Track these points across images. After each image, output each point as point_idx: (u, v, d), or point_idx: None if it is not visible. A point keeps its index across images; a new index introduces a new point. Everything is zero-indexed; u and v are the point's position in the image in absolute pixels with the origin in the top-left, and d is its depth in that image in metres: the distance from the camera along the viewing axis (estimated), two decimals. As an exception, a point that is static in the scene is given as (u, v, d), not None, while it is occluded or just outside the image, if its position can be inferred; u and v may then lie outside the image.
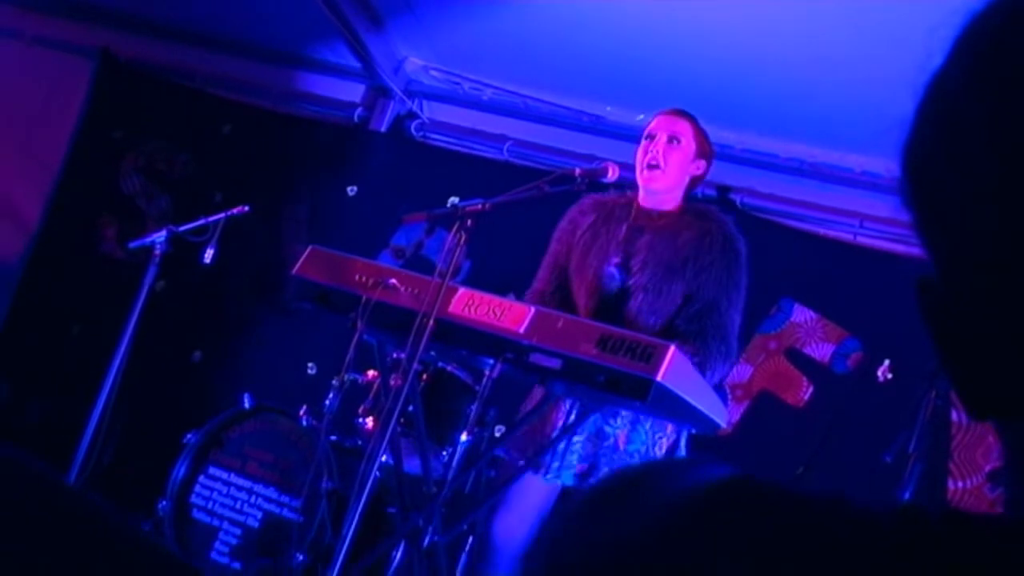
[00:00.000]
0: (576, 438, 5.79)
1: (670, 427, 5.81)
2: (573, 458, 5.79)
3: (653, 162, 5.87)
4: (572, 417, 5.84)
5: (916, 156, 1.02)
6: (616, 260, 5.89)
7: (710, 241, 5.84)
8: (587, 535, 1.00)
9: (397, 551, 5.83)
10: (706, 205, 6.22)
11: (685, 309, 5.81)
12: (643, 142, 5.95)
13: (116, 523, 1.46)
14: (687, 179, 5.98)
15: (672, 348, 5.04)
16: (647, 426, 5.77)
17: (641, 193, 5.99)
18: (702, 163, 5.99)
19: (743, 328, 6.07)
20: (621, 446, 5.76)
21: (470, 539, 6.33)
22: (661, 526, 0.95)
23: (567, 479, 5.82)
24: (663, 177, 5.89)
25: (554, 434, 5.85)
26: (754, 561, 0.90)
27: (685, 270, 5.81)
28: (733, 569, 0.90)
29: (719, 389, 5.73)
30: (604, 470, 5.73)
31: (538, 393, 5.97)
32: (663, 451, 5.81)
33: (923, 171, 1.00)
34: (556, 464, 5.82)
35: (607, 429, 5.76)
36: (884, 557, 0.88)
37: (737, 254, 5.87)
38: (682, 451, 5.91)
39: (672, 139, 5.90)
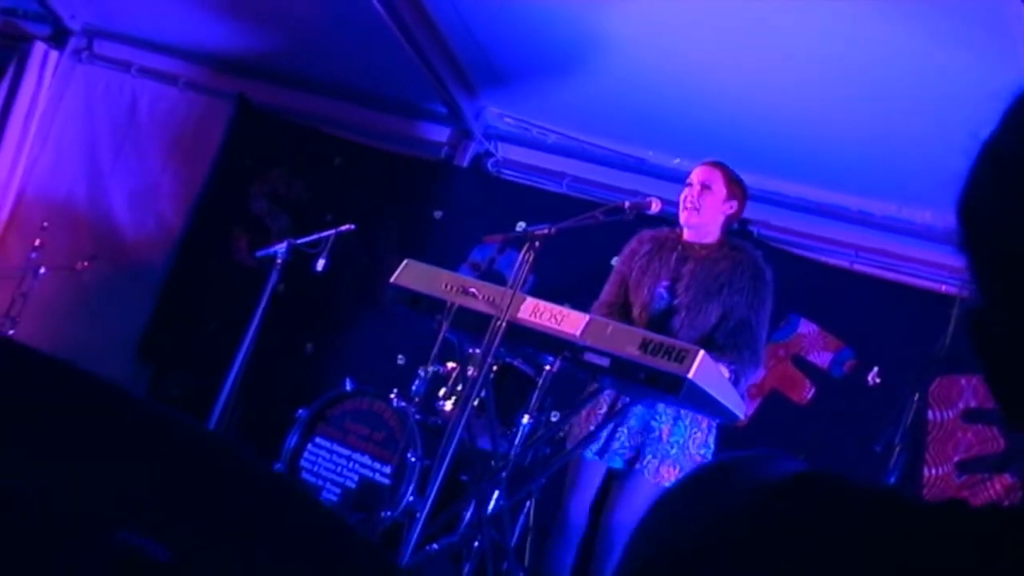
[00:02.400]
0: (622, 429, 5.79)
1: (704, 423, 5.80)
2: (617, 445, 5.80)
3: (689, 205, 6.01)
4: (616, 407, 5.85)
5: (974, 212, 1.02)
6: (665, 283, 5.99)
7: (742, 270, 5.95)
8: (686, 515, 0.98)
9: (468, 512, 5.80)
10: (741, 241, 6.24)
11: (723, 325, 5.89)
12: (684, 188, 6.08)
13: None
14: (722, 217, 6.08)
15: (702, 352, 5.11)
16: (686, 422, 5.81)
17: (685, 229, 6.09)
18: (734, 203, 6.10)
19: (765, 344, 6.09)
20: (664, 438, 5.79)
21: (528, 504, 6.30)
22: (748, 509, 0.94)
23: (615, 463, 5.86)
24: (698, 216, 6.02)
25: (597, 423, 5.86)
26: (823, 539, 0.89)
27: (721, 294, 5.90)
28: (808, 546, 0.89)
29: (741, 389, 5.69)
30: (648, 457, 5.76)
31: (604, 401, 6.01)
32: (697, 444, 5.81)
33: (981, 225, 0.99)
34: (596, 447, 5.86)
35: (653, 424, 5.80)
36: (930, 543, 0.88)
37: (765, 281, 5.98)
38: (712, 444, 5.89)
39: (704, 187, 6.03)
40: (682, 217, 6.02)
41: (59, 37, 10.34)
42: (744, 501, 0.95)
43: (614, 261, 6.38)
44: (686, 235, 6.08)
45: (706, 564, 0.93)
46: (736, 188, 6.08)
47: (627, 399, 5.80)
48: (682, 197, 6.04)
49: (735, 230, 7.27)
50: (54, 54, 10.28)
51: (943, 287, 7.17)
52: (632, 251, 6.20)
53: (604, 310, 5.99)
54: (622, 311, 6.05)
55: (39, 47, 10.24)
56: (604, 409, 5.94)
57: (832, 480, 0.95)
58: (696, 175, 6.06)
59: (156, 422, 1.43)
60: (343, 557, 1.40)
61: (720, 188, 6.02)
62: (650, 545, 0.99)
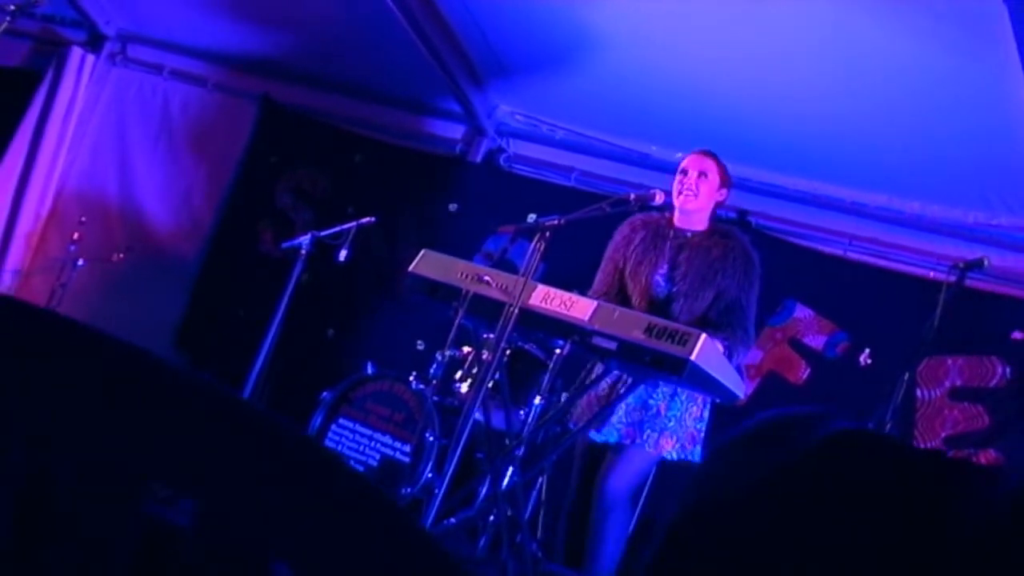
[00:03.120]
0: (620, 405, 5.79)
1: (699, 399, 5.81)
2: (615, 419, 5.80)
3: (688, 191, 5.98)
4: (617, 388, 5.85)
5: None
6: (663, 271, 5.97)
7: (734, 256, 5.96)
8: (746, 463, 1.00)
9: (483, 488, 5.79)
10: (728, 226, 6.23)
11: (715, 305, 5.89)
12: (679, 176, 6.06)
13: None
14: (713, 204, 6.07)
15: (704, 335, 5.11)
16: (683, 397, 5.82)
17: (677, 214, 6.07)
18: (724, 191, 6.10)
19: (757, 322, 6.08)
20: (662, 413, 5.81)
21: (540, 480, 6.29)
22: (802, 467, 0.96)
23: (612, 437, 5.87)
24: (695, 201, 6.00)
25: (600, 403, 5.87)
26: (877, 496, 0.92)
27: (715, 279, 5.91)
28: (860, 504, 0.91)
29: (738, 369, 5.67)
30: (648, 431, 5.77)
31: (597, 368, 5.99)
32: (693, 418, 5.83)
33: None
34: (606, 427, 5.87)
35: (651, 401, 5.81)
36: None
37: (753, 265, 5.99)
38: (707, 417, 5.91)
39: (702, 174, 6.01)
40: (678, 202, 6.00)
41: (95, 42, 10.34)
42: (798, 456, 0.97)
43: (616, 236, 6.33)
44: (677, 220, 6.06)
45: (759, 515, 0.94)
46: (727, 177, 6.11)
47: (628, 381, 5.80)
48: (677, 183, 6.01)
49: (734, 219, 7.28)
50: (90, 58, 10.28)
51: (931, 273, 7.16)
52: (626, 238, 6.17)
53: (598, 299, 5.83)
54: (618, 298, 6.03)
55: (76, 52, 10.23)
56: (605, 391, 5.93)
57: (882, 438, 0.99)
58: (692, 163, 6.04)
59: (188, 386, 1.44)
60: (369, 516, 1.38)
61: (715, 176, 6.03)
62: (703, 493, 1.01)
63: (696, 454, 5.85)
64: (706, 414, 5.92)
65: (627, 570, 5.84)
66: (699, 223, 6.04)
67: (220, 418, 1.41)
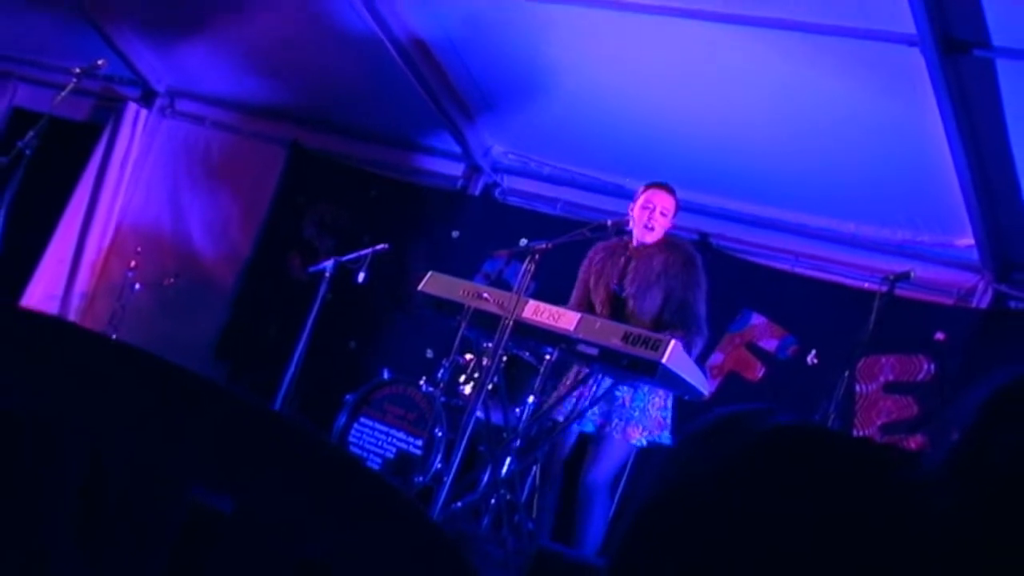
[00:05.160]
0: (595, 401, 5.80)
1: (662, 392, 5.79)
2: (589, 413, 5.79)
3: (649, 226, 5.99)
4: (598, 390, 5.83)
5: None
6: (615, 280, 6.00)
7: (674, 259, 5.96)
8: (697, 457, 0.99)
9: (485, 475, 5.77)
10: (674, 236, 6.19)
11: (667, 307, 5.87)
12: (642, 209, 6.03)
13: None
14: (664, 231, 6.05)
15: (674, 341, 5.10)
16: (644, 390, 5.80)
17: (635, 240, 6.06)
18: (674, 221, 6.12)
19: (717, 330, 6.08)
20: (627, 404, 5.82)
21: (534, 469, 6.25)
22: (748, 456, 0.95)
23: (588, 428, 5.90)
24: (653, 235, 6.01)
25: (584, 400, 5.86)
26: (811, 478, 0.92)
27: (659, 281, 5.90)
28: (797, 485, 0.92)
29: (703, 369, 5.66)
30: (615, 421, 5.79)
31: (572, 374, 6.00)
32: (656, 407, 5.83)
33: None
34: (573, 417, 5.88)
35: (617, 393, 5.82)
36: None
37: (695, 265, 5.98)
38: (669, 406, 5.89)
39: (663, 212, 6.00)
40: (639, 234, 6.00)
41: (148, 98, 10.38)
42: (745, 447, 0.96)
43: (585, 261, 6.35)
44: (634, 241, 6.06)
45: (713, 499, 0.93)
46: (678, 209, 6.13)
47: (603, 383, 5.79)
48: (641, 215, 5.99)
49: (696, 240, 7.27)
50: (144, 112, 10.32)
51: (866, 284, 7.14)
52: (589, 260, 6.21)
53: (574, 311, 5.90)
54: (587, 310, 6.01)
55: (131, 107, 10.27)
56: (586, 392, 5.92)
57: (816, 429, 0.98)
58: (656, 200, 6.01)
59: (227, 400, 1.43)
60: (386, 512, 1.37)
61: (671, 212, 6.04)
62: (665, 482, 0.99)
63: (665, 438, 5.84)
64: (669, 403, 5.91)
65: (609, 547, 5.81)
66: (649, 240, 6.04)
67: (254, 426, 1.41)
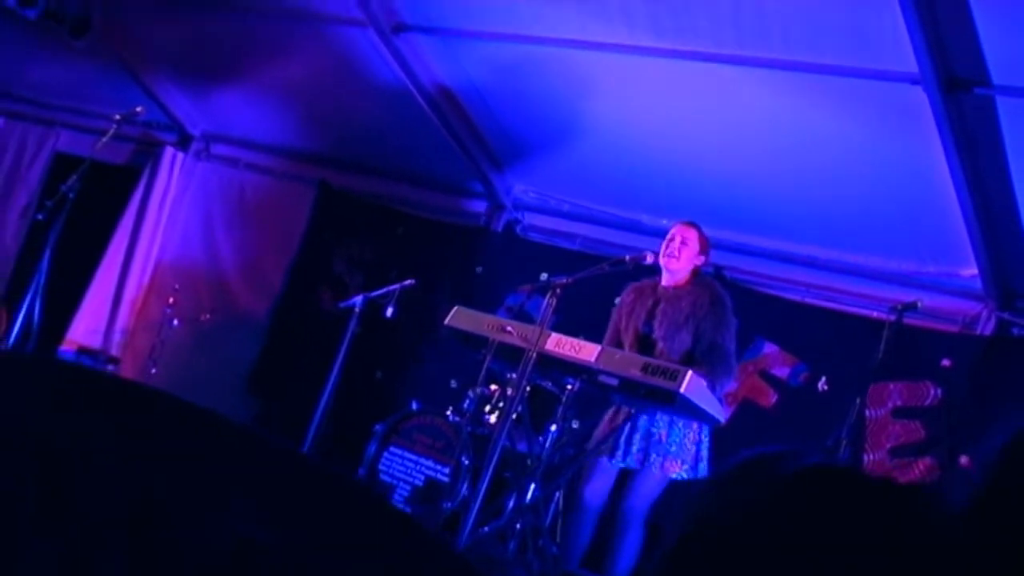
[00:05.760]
0: (635, 436, 5.76)
1: (695, 425, 5.75)
2: (634, 448, 5.76)
3: (672, 254, 5.97)
4: (627, 424, 5.82)
5: None
6: (643, 321, 5.96)
7: (703, 301, 5.90)
8: (728, 497, 1.00)
9: (511, 502, 5.77)
10: (703, 277, 6.18)
11: (698, 346, 5.81)
12: (666, 241, 6.04)
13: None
14: (692, 266, 6.03)
15: (690, 372, 5.11)
16: (680, 426, 5.77)
17: (664, 275, 6.04)
18: (702, 257, 6.09)
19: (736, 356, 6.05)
20: (664, 440, 5.76)
21: (557, 495, 6.25)
22: (778, 498, 0.95)
23: (631, 463, 5.83)
24: (677, 263, 5.97)
25: (617, 433, 5.84)
26: (839, 519, 0.92)
27: (688, 323, 5.85)
28: (822, 528, 0.92)
29: (718, 399, 5.63)
30: (653, 456, 5.73)
31: (609, 414, 5.98)
32: (692, 441, 5.79)
33: None
34: (620, 453, 5.81)
35: (653, 430, 5.78)
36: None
37: (724, 305, 5.93)
38: (705, 439, 5.84)
39: (684, 242, 5.99)
40: (663, 262, 5.98)
41: (184, 142, 10.45)
42: (775, 489, 0.96)
43: (617, 302, 6.35)
44: (664, 281, 6.03)
45: (743, 540, 0.93)
46: (706, 244, 6.09)
47: (632, 411, 5.78)
48: (664, 247, 6.00)
49: (711, 273, 7.26)
50: (180, 155, 10.39)
51: (873, 313, 7.12)
52: (620, 303, 6.19)
53: None
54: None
55: (168, 151, 10.36)
56: (616, 421, 5.91)
57: (841, 471, 0.98)
58: (678, 232, 6.03)
59: (257, 444, 1.47)
60: (408, 547, 1.40)
61: (694, 243, 6.01)
62: (697, 521, 1.00)
63: (702, 470, 5.81)
64: (704, 436, 5.86)
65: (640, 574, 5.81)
66: (680, 282, 6.01)
67: (284, 468, 1.44)
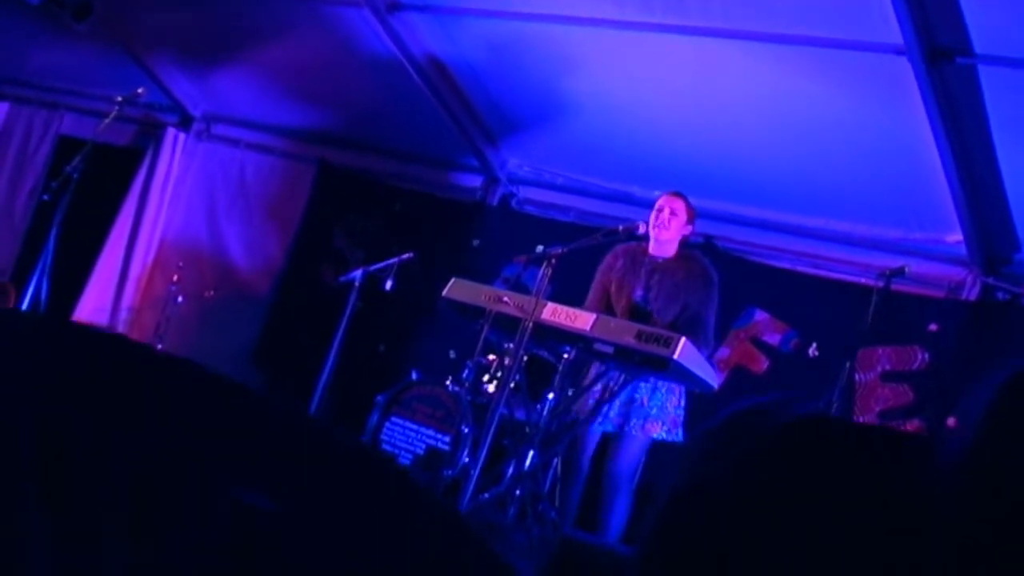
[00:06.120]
0: (614, 403, 5.79)
1: (677, 390, 5.79)
2: (612, 414, 5.79)
3: (662, 225, 6.00)
4: (616, 387, 5.84)
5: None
6: (639, 293, 5.93)
7: (695, 276, 5.98)
8: (720, 450, 0.97)
9: (510, 469, 5.78)
10: (692, 251, 6.21)
11: (683, 316, 5.89)
12: (655, 212, 6.07)
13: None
14: (680, 236, 6.09)
15: (684, 339, 5.08)
16: (662, 390, 5.79)
17: (652, 243, 6.08)
18: (690, 226, 6.14)
19: (723, 327, 6.11)
20: (645, 403, 5.80)
21: (555, 461, 6.27)
22: (769, 449, 0.94)
23: (609, 427, 5.91)
24: (667, 233, 6.00)
25: (596, 399, 5.87)
26: (831, 468, 0.91)
27: (681, 296, 5.91)
28: (817, 475, 0.90)
29: (712, 364, 5.65)
30: (634, 420, 5.77)
31: (592, 372, 6.00)
32: (673, 405, 5.83)
33: None
34: (601, 417, 5.90)
35: (636, 396, 5.80)
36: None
37: (711, 282, 6.00)
38: (683, 404, 5.89)
39: (673, 213, 6.02)
40: (653, 233, 6.00)
41: (185, 123, 10.41)
42: (765, 440, 0.95)
43: (603, 260, 6.36)
44: (652, 249, 6.06)
45: (736, 492, 0.92)
46: (693, 214, 6.13)
47: (621, 379, 5.79)
48: (653, 218, 6.02)
49: (701, 243, 7.26)
50: (182, 136, 10.35)
51: (862, 280, 7.11)
52: (609, 265, 6.20)
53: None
54: (604, 311, 6.01)
55: (171, 131, 10.32)
56: (599, 388, 5.93)
57: (833, 420, 0.97)
58: (666, 203, 6.06)
59: (266, 406, 1.43)
60: (415, 512, 1.37)
61: (683, 214, 6.04)
62: (689, 475, 0.98)
63: (679, 435, 5.84)
64: (683, 402, 5.92)
65: (630, 533, 5.83)
66: (669, 251, 6.05)
67: (288, 429, 1.40)
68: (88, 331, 1.62)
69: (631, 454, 5.88)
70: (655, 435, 5.79)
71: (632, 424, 5.78)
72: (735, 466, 0.94)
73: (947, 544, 0.84)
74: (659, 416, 5.79)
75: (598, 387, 5.92)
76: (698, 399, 5.99)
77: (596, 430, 5.93)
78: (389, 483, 1.40)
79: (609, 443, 5.97)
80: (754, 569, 0.88)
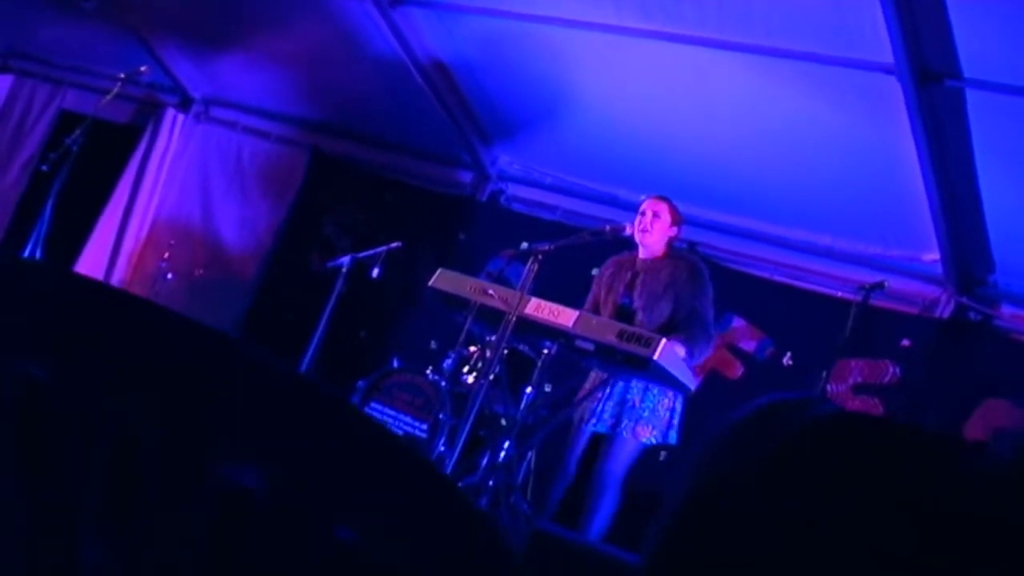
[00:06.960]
0: (608, 403, 5.67)
1: (670, 392, 5.66)
2: (606, 415, 5.67)
3: (644, 229, 5.85)
4: (606, 390, 5.72)
5: None
6: (623, 293, 5.86)
7: (680, 271, 5.80)
8: (743, 446, 0.88)
9: (484, 459, 5.65)
10: (679, 249, 6.10)
11: (678, 314, 5.71)
12: (638, 216, 5.92)
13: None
14: (666, 238, 5.91)
15: (664, 339, 5.01)
16: (655, 393, 5.66)
17: (640, 249, 5.93)
18: (675, 228, 5.96)
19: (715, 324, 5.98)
20: (637, 405, 5.67)
21: (530, 455, 6.13)
22: (794, 446, 0.85)
23: (601, 428, 5.74)
24: (650, 236, 5.85)
25: (593, 399, 5.76)
26: (858, 466, 0.82)
27: (667, 293, 5.74)
28: (836, 475, 0.82)
29: (691, 368, 5.52)
30: (625, 422, 5.66)
31: (590, 379, 5.89)
32: (665, 408, 5.70)
33: None
34: (594, 419, 5.73)
35: (628, 396, 5.69)
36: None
37: (701, 275, 5.83)
38: (678, 407, 5.75)
39: (655, 215, 5.88)
40: (637, 237, 5.87)
41: (185, 104, 10.30)
42: (790, 437, 0.86)
43: (594, 272, 6.25)
44: (640, 254, 5.92)
45: (760, 491, 0.84)
46: (678, 216, 5.96)
47: (608, 379, 5.68)
48: (637, 222, 5.88)
49: (685, 249, 7.15)
50: (181, 117, 10.26)
51: (839, 293, 7.04)
52: (599, 276, 6.09)
53: None
54: None
55: (170, 112, 10.22)
56: (593, 386, 5.83)
57: (859, 418, 0.88)
58: (648, 206, 5.92)
59: (255, 365, 1.27)
60: (410, 481, 1.20)
61: (666, 216, 5.89)
62: (709, 471, 0.89)
63: (672, 437, 5.73)
64: (677, 405, 5.76)
65: (612, 535, 5.72)
66: (654, 253, 5.91)
67: (281, 391, 1.25)
68: (68, 275, 1.45)
69: (621, 456, 5.73)
70: (644, 440, 5.65)
71: (624, 426, 5.66)
72: (769, 459, 0.85)
73: (999, 550, 0.75)
74: (650, 419, 5.65)
75: (598, 394, 5.79)
76: (693, 405, 5.87)
77: (587, 430, 5.80)
78: (389, 456, 1.22)
79: (600, 443, 5.84)
80: (794, 567, 0.80)
